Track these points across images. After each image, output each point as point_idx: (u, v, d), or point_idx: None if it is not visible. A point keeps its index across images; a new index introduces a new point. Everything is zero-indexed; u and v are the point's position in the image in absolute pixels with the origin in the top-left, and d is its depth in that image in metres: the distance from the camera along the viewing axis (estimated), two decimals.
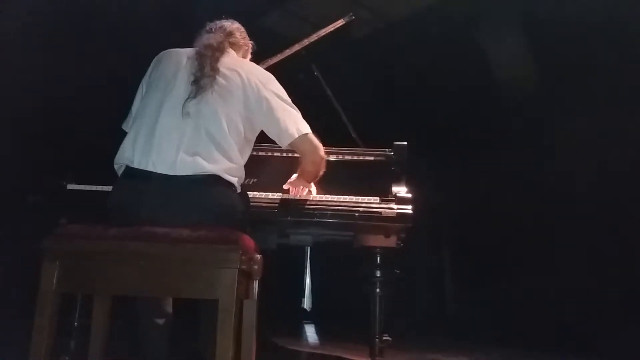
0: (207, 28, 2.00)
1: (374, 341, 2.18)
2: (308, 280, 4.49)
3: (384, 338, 2.20)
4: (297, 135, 1.92)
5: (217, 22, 2.03)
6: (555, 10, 3.51)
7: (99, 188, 2.21)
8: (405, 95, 4.24)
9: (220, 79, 1.80)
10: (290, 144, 1.95)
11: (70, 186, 2.26)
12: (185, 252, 1.50)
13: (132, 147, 1.76)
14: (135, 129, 1.79)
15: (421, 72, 4.15)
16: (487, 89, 4.03)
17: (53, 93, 3.27)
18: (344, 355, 3.21)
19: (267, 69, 2.57)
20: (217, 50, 1.86)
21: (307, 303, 4.60)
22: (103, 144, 1.97)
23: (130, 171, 1.75)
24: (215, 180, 1.74)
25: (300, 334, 4.29)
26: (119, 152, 1.80)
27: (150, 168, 1.71)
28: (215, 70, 1.80)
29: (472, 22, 3.99)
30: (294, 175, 2.15)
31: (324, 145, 2.36)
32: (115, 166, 1.82)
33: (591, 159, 3.47)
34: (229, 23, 2.03)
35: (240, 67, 1.88)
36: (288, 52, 2.66)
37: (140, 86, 1.95)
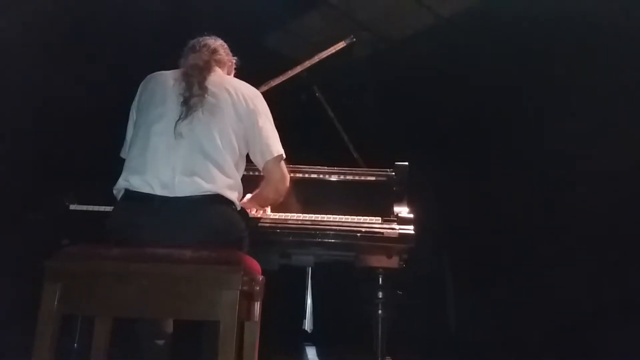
0: (191, 46, 2.01)
1: None
2: (309, 301, 4.46)
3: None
4: (275, 155, 1.95)
5: (201, 39, 2.03)
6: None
7: (102, 208, 2.22)
8: (406, 115, 4.26)
9: (209, 98, 1.81)
10: (266, 163, 1.95)
11: (72, 206, 2.27)
12: (187, 273, 1.50)
13: (129, 173, 1.77)
14: (131, 155, 1.81)
15: (422, 92, 4.18)
16: (486, 106, 4.06)
17: (57, 114, 3.30)
18: None
19: (270, 90, 2.63)
20: (204, 70, 1.88)
21: (308, 324, 4.56)
22: (105, 164, 1.97)
23: (129, 194, 1.76)
24: (215, 199, 1.75)
25: (301, 356, 4.24)
26: (118, 181, 1.80)
27: (149, 190, 1.72)
28: (203, 89, 1.81)
29: (472, 41, 4.03)
30: (248, 195, 2.10)
31: (325, 165, 2.39)
32: (115, 191, 1.82)
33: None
34: (212, 40, 2.04)
35: (228, 84, 1.90)
36: (290, 74, 2.69)
37: (131, 113, 1.95)
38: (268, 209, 2.23)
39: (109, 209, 2.11)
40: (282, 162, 2.01)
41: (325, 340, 4.43)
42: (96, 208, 2.26)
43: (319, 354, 4.35)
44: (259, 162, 1.96)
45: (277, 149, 1.96)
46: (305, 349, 4.44)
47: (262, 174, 2.05)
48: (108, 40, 3.44)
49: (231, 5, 3.61)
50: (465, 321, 4.24)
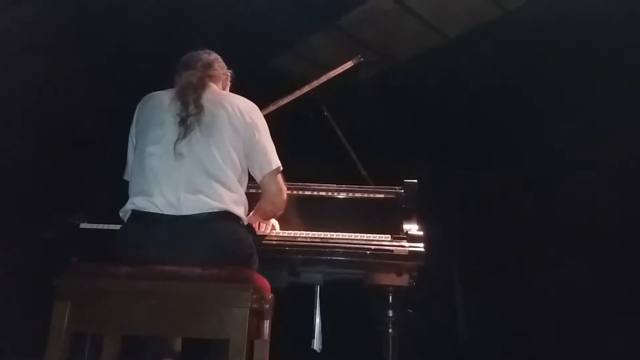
0: (184, 62, 2.00)
1: None
2: (318, 320, 4.41)
3: None
4: (274, 167, 1.95)
5: (194, 53, 2.02)
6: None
7: (111, 227, 2.23)
8: (414, 133, 4.28)
9: (205, 116, 1.81)
10: (264, 176, 1.95)
11: (83, 225, 2.28)
12: (197, 291, 1.50)
13: (134, 195, 1.78)
14: (134, 178, 1.82)
15: (429, 111, 4.20)
16: (495, 125, 4.06)
17: (67, 131, 3.35)
18: None
19: (278, 109, 2.65)
20: (199, 88, 1.87)
21: (316, 344, 4.50)
22: (115, 183, 1.99)
23: (136, 214, 1.76)
24: (222, 215, 1.75)
25: None
26: (125, 205, 1.81)
27: (155, 210, 1.72)
28: (199, 107, 1.81)
29: (478, 61, 4.06)
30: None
31: (334, 183, 2.38)
32: (121, 214, 1.82)
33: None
34: (206, 55, 2.03)
35: (225, 100, 1.90)
36: (298, 94, 2.71)
37: (130, 135, 1.95)
38: (277, 226, 2.22)
39: (117, 227, 2.12)
40: (279, 176, 2.00)
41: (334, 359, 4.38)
42: (105, 226, 2.27)
43: None
44: (257, 176, 1.96)
45: (275, 161, 1.96)
46: None
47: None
48: (126, 57, 3.50)
49: (239, 26, 3.67)
50: (475, 332, 4.19)
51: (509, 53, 3.85)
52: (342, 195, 2.42)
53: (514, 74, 3.89)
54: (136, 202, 1.75)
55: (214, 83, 1.99)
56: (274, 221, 2.25)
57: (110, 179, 1.99)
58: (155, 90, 1.96)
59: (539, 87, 3.85)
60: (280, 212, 2.09)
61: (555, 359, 3.52)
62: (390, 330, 2.18)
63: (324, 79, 2.73)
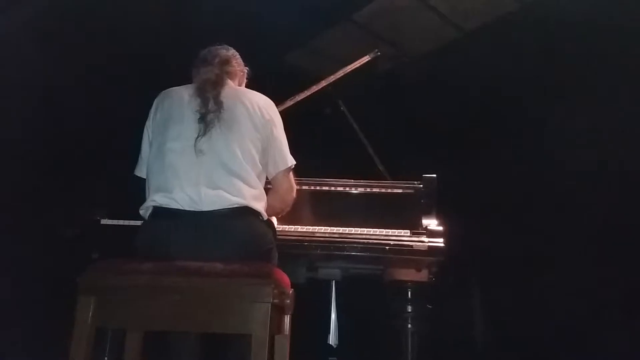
0: (202, 57, 2.00)
1: None
2: (334, 315, 4.42)
3: None
4: (289, 165, 1.97)
5: (212, 49, 2.02)
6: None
7: (132, 223, 2.25)
8: (431, 128, 4.25)
9: (225, 112, 1.81)
10: (277, 173, 1.95)
11: (104, 221, 2.30)
12: (219, 287, 1.51)
13: (154, 191, 1.78)
14: (154, 175, 1.82)
15: (446, 105, 4.17)
16: (512, 118, 4.02)
17: (87, 127, 3.38)
18: None
19: (295, 105, 2.65)
20: (217, 84, 1.87)
21: (333, 339, 4.51)
22: (136, 179, 2.00)
23: (157, 211, 1.77)
24: (243, 211, 1.76)
25: None
26: (145, 202, 1.82)
27: (176, 206, 1.73)
28: (219, 104, 1.81)
29: (495, 54, 4.01)
30: None
31: (352, 178, 2.38)
32: (142, 211, 1.83)
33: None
34: (224, 51, 2.02)
35: (243, 96, 1.90)
36: (315, 89, 2.70)
37: (145, 130, 1.95)
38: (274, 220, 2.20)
39: (138, 223, 2.14)
40: (291, 173, 2.01)
41: (351, 355, 4.39)
42: (126, 222, 2.29)
43: None
44: (270, 172, 1.96)
45: (290, 159, 1.98)
46: None
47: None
48: (142, 50, 3.51)
49: (254, 22, 3.66)
50: (492, 332, 4.16)
51: (528, 47, 3.80)
52: (360, 191, 2.41)
53: (531, 67, 3.85)
54: (157, 198, 1.76)
55: (231, 79, 1.99)
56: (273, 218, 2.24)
57: (131, 174, 2.00)
58: (171, 86, 1.97)
59: (560, 81, 3.79)
60: (288, 209, 2.09)
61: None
62: (410, 325, 2.17)
63: (340, 73, 2.72)
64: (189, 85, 1.94)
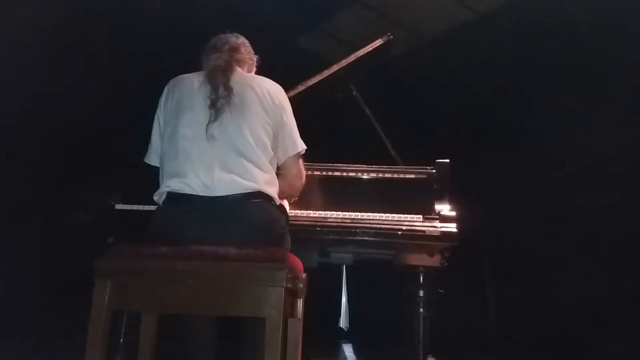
0: (212, 44, 2.00)
1: None
2: (344, 298, 4.46)
3: (429, 359, 2.16)
4: (299, 150, 1.96)
5: (222, 36, 2.02)
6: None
7: (147, 208, 2.27)
8: (443, 112, 4.21)
9: (235, 98, 1.82)
10: (287, 159, 1.95)
11: (118, 206, 2.33)
12: (233, 271, 1.52)
13: (168, 177, 1.80)
14: (167, 161, 1.83)
15: (459, 89, 4.12)
16: (528, 103, 3.97)
17: (100, 116, 3.40)
18: None
19: (307, 89, 2.63)
20: (227, 70, 1.87)
21: (344, 322, 4.56)
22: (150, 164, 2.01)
23: (171, 196, 1.78)
24: (256, 196, 1.77)
25: (338, 354, 4.24)
26: (160, 188, 1.83)
27: (190, 192, 1.74)
28: (229, 90, 1.82)
29: (509, 37, 3.94)
30: None
31: (364, 163, 2.37)
32: (156, 197, 1.85)
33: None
34: (234, 38, 2.03)
35: (252, 82, 1.91)
36: (326, 73, 2.68)
37: (156, 117, 1.96)
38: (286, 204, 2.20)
39: (152, 207, 2.16)
40: (300, 160, 2.01)
41: (362, 337, 4.43)
42: (140, 207, 2.31)
43: (355, 351, 4.34)
44: (279, 158, 1.96)
45: (301, 144, 1.97)
46: (342, 346, 4.44)
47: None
48: (148, 39, 3.51)
49: (264, 5, 3.64)
50: (506, 319, 4.16)
51: (544, 27, 3.73)
52: (372, 176, 2.41)
53: (548, 48, 3.78)
54: (171, 184, 1.77)
55: (240, 67, 1.99)
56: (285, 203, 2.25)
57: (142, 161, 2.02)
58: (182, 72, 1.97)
59: (577, 64, 3.72)
60: (297, 196, 2.09)
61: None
62: (422, 310, 2.18)
63: (352, 57, 2.70)
64: (199, 72, 1.94)
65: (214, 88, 1.82)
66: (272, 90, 1.92)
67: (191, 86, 1.88)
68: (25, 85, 3.17)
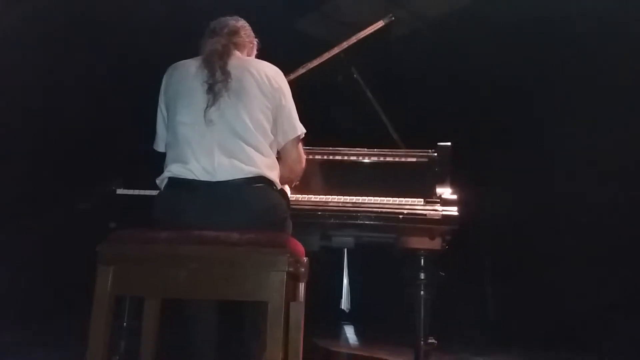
0: (211, 28, 1.97)
1: (420, 344, 2.17)
2: (346, 281, 4.50)
3: (430, 341, 2.18)
4: (298, 133, 1.95)
5: (222, 19, 2.00)
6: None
7: (148, 192, 2.27)
8: (444, 95, 4.17)
9: (233, 82, 1.80)
10: (286, 143, 1.93)
11: (119, 191, 2.33)
12: (235, 256, 1.53)
13: (169, 162, 1.80)
14: (169, 148, 1.83)
15: (462, 72, 4.08)
16: (529, 88, 3.94)
17: (101, 100, 3.39)
18: (388, 358, 3.18)
19: (307, 72, 2.61)
20: (224, 54, 1.85)
21: (345, 304, 4.62)
22: (152, 149, 2.01)
23: (173, 181, 1.79)
24: (257, 180, 1.76)
25: (339, 335, 4.29)
26: (162, 173, 1.83)
27: (191, 177, 1.74)
28: (226, 74, 1.80)
29: (512, 19, 3.89)
30: None
31: (365, 147, 2.36)
32: (158, 182, 1.85)
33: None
34: (233, 22, 2.00)
35: (250, 66, 1.89)
36: (327, 56, 2.66)
37: (159, 106, 1.95)
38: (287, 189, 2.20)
39: (153, 192, 2.16)
40: (300, 144, 1.99)
41: (363, 319, 4.48)
42: (142, 192, 2.31)
43: (356, 333, 4.39)
44: (279, 142, 1.94)
45: (300, 128, 1.95)
46: (343, 328, 4.49)
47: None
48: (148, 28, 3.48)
49: None
50: (503, 305, 4.18)
51: (547, 11, 3.68)
52: (373, 159, 2.40)
53: (550, 31, 3.74)
54: (173, 169, 1.78)
55: (239, 51, 1.97)
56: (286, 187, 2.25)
57: (146, 145, 2.01)
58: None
59: (579, 49, 3.67)
60: (297, 180, 2.09)
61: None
62: (422, 292, 2.19)
63: (353, 39, 2.67)
64: (197, 57, 1.92)
65: (211, 72, 1.81)
66: (271, 74, 1.90)
67: (188, 72, 1.86)
68: (25, 73, 3.15)
